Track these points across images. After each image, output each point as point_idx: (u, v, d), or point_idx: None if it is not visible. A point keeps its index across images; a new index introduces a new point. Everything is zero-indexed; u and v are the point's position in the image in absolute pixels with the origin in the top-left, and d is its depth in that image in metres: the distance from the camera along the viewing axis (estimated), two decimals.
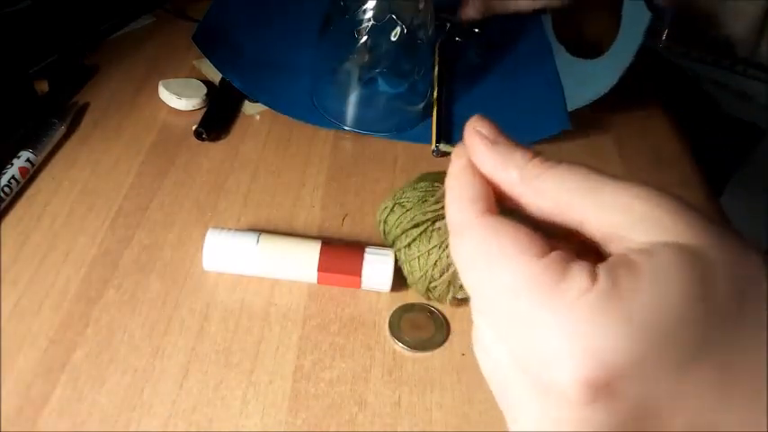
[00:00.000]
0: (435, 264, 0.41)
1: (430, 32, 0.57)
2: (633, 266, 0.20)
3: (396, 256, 0.44)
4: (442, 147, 0.56)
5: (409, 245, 0.43)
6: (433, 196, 0.43)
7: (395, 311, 0.44)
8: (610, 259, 0.21)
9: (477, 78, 0.67)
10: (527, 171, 0.24)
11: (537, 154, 0.24)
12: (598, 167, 0.24)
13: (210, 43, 0.61)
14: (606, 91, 0.56)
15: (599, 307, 0.20)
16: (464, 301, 0.43)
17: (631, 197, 0.22)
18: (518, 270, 0.21)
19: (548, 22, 0.70)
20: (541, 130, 0.57)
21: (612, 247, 0.22)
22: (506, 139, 0.25)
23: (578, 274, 0.20)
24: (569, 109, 0.59)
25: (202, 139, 0.55)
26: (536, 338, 0.21)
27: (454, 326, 0.43)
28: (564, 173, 0.23)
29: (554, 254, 0.21)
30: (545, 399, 0.21)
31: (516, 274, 0.21)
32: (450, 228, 0.25)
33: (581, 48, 0.65)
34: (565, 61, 0.66)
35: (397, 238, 0.43)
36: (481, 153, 0.25)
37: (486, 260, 0.22)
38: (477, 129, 0.25)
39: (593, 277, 0.20)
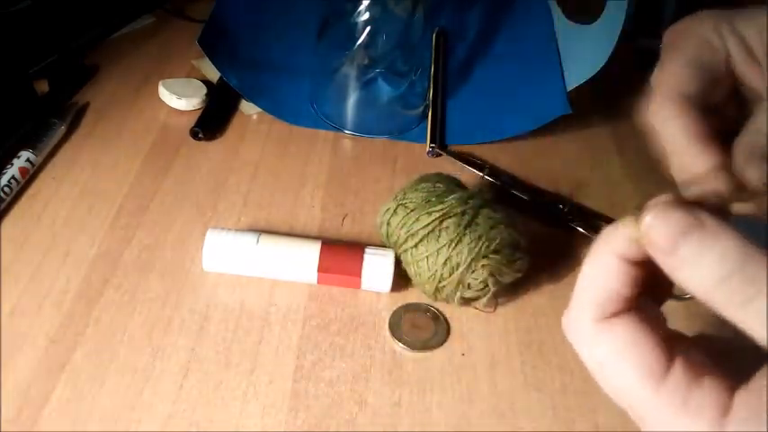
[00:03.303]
0: (445, 263, 0.41)
1: (426, 31, 0.57)
2: None
3: (400, 257, 0.44)
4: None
5: (416, 245, 0.43)
6: (436, 196, 0.43)
7: (395, 311, 0.44)
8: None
9: (473, 62, 0.67)
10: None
11: None
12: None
13: (215, 47, 0.61)
14: (605, 62, 0.55)
15: None
16: (471, 300, 0.43)
17: None
18: (641, 397, 0.20)
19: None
20: (541, 116, 0.57)
21: None
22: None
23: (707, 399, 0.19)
24: (569, 87, 0.58)
25: (199, 139, 0.55)
26: None
27: (454, 326, 0.43)
28: None
29: (677, 373, 0.20)
30: None
31: (640, 402, 0.20)
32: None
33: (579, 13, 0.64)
34: (563, 31, 0.66)
35: (402, 239, 0.43)
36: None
37: (603, 380, 0.21)
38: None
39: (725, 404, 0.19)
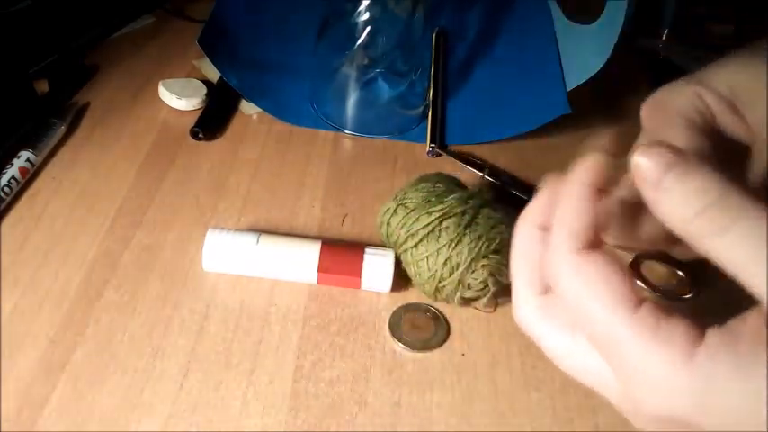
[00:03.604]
0: (445, 263, 0.41)
1: (426, 31, 0.57)
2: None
3: (400, 257, 0.44)
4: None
5: (416, 245, 0.43)
6: (436, 196, 0.43)
7: (395, 311, 0.44)
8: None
9: (473, 62, 0.67)
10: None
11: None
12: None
13: (215, 47, 0.61)
14: (605, 62, 0.55)
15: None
16: (471, 300, 0.43)
17: None
18: (615, 323, 0.21)
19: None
20: (541, 116, 0.56)
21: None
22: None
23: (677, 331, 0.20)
24: (569, 87, 0.58)
25: (198, 139, 0.55)
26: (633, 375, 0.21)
27: (454, 326, 0.43)
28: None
29: (648, 306, 0.21)
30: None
31: (613, 327, 0.21)
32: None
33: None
34: (563, 31, 0.66)
35: (402, 239, 0.43)
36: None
37: (579, 306, 0.22)
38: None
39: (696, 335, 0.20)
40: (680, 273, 0.47)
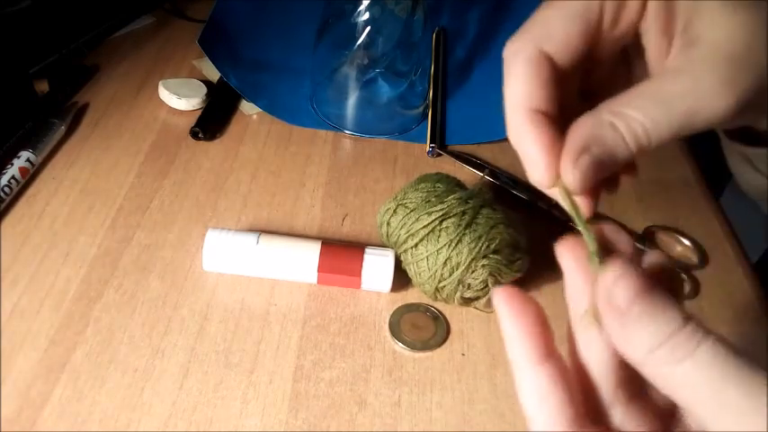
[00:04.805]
0: (445, 263, 0.41)
1: (426, 31, 0.57)
2: None
3: (400, 257, 0.44)
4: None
5: (416, 245, 0.43)
6: (436, 196, 0.43)
7: (395, 311, 0.44)
8: None
9: (473, 62, 0.67)
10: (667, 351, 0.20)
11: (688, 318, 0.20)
12: None
13: (215, 47, 0.61)
14: None
15: None
16: (471, 300, 0.43)
17: None
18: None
19: None
20: None
21: None
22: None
23: None
24: None
25: (198, 139, 0.55)
26: None
27: (454, 326, 0.43)
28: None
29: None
30: None
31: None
32: None
33: None
34: None
35: (402, 239, 0.43)
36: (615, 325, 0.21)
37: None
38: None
39: None
40: (682, 275, 0.48)
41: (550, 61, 0.25)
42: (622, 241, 0.24)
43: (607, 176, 0.24)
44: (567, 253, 0.24)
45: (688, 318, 0.20)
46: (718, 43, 0.23)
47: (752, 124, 0.27)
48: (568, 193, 0.24)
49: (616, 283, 0.20)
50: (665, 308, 0.20)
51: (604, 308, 0.21)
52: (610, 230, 0.24)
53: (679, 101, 0.23)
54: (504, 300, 0.23)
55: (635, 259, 0.23)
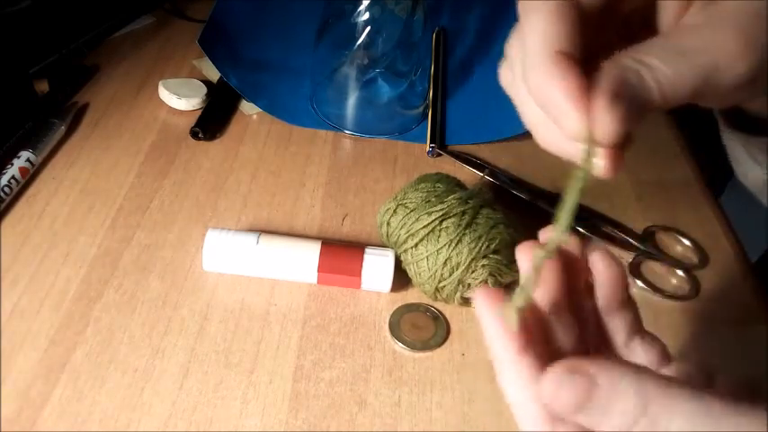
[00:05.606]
0: (445, 263, 0.41)
1: (426, 31, 0.57)
2: None
3: (400, 257, 0.44)
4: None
5: (416, 245, 0.43)
6: (436, 196, 0.43)
7: (395, 311, 0.44)
8: None
9: (473, 62, 0.67)
10: None
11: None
12: None
13: (215, 47, 0.61)
14: None
15: None
16: (470, 300, 0.43)
17: None
18: None
19: None
20: None
21: None
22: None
23: None
24: None
25: (198, 139, 0.55)
26: None
27: (454, 326, 0.43)
28: None
29: None
30: None
31: None
32: None
33: None
34: None
35: (402, 239, 0.43)
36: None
37: None
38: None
39: None
40: (679, 273, 0.48)
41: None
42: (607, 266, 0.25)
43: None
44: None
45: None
46: (739, 2, 0.23)
47: (757, 98, 0.27)
48: (592, 146, 0.22)
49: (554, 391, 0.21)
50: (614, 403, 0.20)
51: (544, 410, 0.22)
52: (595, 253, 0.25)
53: (699, 55, 0.22)
54: (482, 299, 0.24)
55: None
